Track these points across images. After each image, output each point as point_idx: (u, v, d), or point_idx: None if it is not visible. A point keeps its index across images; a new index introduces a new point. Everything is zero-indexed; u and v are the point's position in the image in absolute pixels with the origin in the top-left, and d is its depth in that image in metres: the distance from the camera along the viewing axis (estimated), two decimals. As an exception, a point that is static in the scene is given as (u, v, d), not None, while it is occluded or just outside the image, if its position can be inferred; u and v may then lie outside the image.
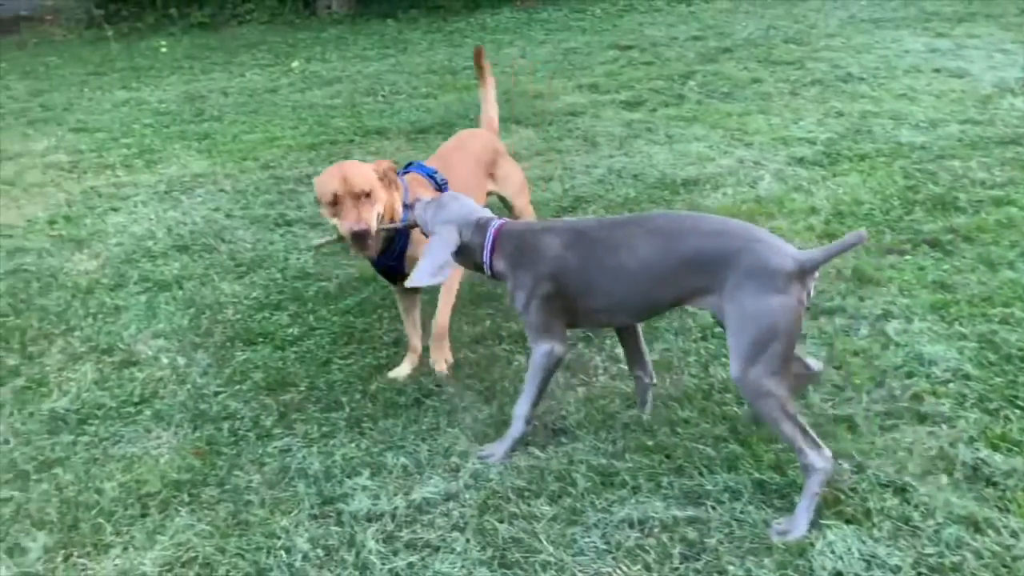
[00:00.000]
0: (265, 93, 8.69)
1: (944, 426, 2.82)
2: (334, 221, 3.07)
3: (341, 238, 3.12)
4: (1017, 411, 2.86)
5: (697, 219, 2.69)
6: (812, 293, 2.47)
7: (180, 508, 2.76)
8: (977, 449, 2.69)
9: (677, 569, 2.37)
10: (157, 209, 5.46)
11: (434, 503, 2.69)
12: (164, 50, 11.81)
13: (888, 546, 2.35)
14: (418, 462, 2.88)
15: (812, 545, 2.37)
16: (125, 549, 2.62)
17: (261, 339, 3.77)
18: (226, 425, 3.18)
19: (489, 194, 3.82)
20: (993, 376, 3.04)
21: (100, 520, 2.72)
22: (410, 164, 3.55)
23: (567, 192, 5.16)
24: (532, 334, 2.79)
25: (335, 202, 3.01)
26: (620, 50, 9.20)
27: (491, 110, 4.10)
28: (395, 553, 2.50)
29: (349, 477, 2.84)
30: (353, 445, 2.99)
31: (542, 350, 2.76)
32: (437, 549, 2.51)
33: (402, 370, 3.43)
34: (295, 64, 10.11)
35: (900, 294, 3.66)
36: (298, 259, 4.57)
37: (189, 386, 3.45)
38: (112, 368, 3.62)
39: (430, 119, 7.01)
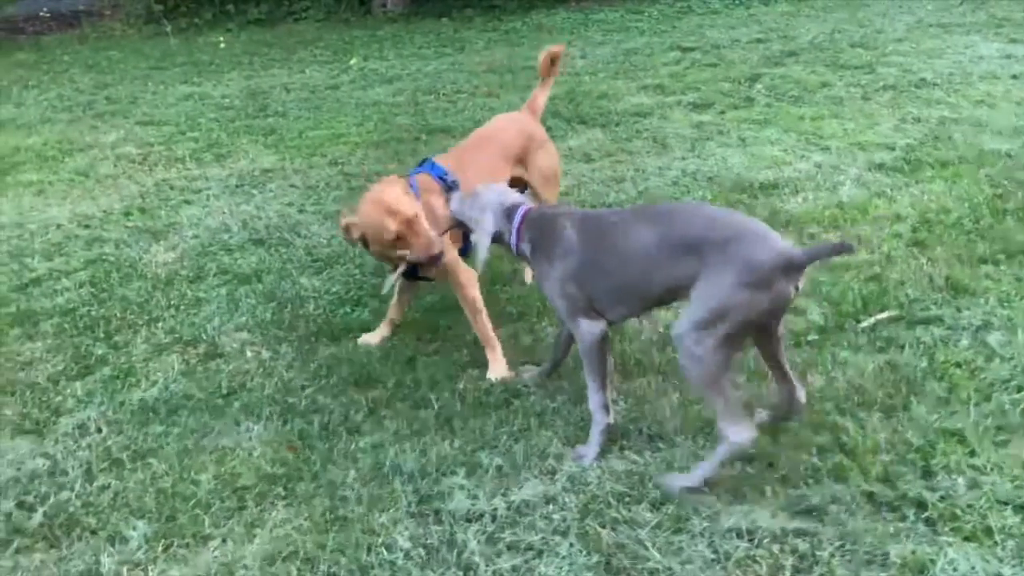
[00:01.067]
0: (326, 90, 8.73)
1: (1063, 443, 2.72)
2: (401, 253, 3.18)
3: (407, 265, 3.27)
4: None
5: (697, 208, 2.99)
6: (800, 288, 2.58)
7: (276, 502, 2.76)
8: (1100, 467, 2.59)
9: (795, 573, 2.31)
10: (230, 202, 5.49)
11: (533, 505, 2.65)
12: (223, 46, 11.93)
13: (1014, 566, 2.27)
14: (513, 463, 2.85)
15: (932, 562, 2.30)
16: (224, 541, 2.62)
17: (344, 334, 3.76)
18: (316, 419, 3.17)
19: (519, 181, 3.77)
20: (1110, 392, 2.94)
21: (198, 511, 2.73)
22: (424, 161, 3.61)
23: (641, 194, 5.10)
24: (566, 319, 2.90)
25: (398, 238, 3.12)
26: (682, 52, 9.11)
27: (540, 96, 4.05)
28: (498, 555, 2.47)
29: (444, 476, 2.81)
30: (446, 444, 2.97)
31: (581, 332, 2.84)
32: (540, 553, 2.47)
33: (371, 337, 3.65)
34: (353, 61, 10.16)
35: (999, 305, 3.55)
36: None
37: (276, 379, 3.45)
38: (198, 360, 3.64)
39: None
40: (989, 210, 4.50)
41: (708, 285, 2.54)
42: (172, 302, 4.15)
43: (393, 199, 3.14)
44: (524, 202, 3.03)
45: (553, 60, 4.04)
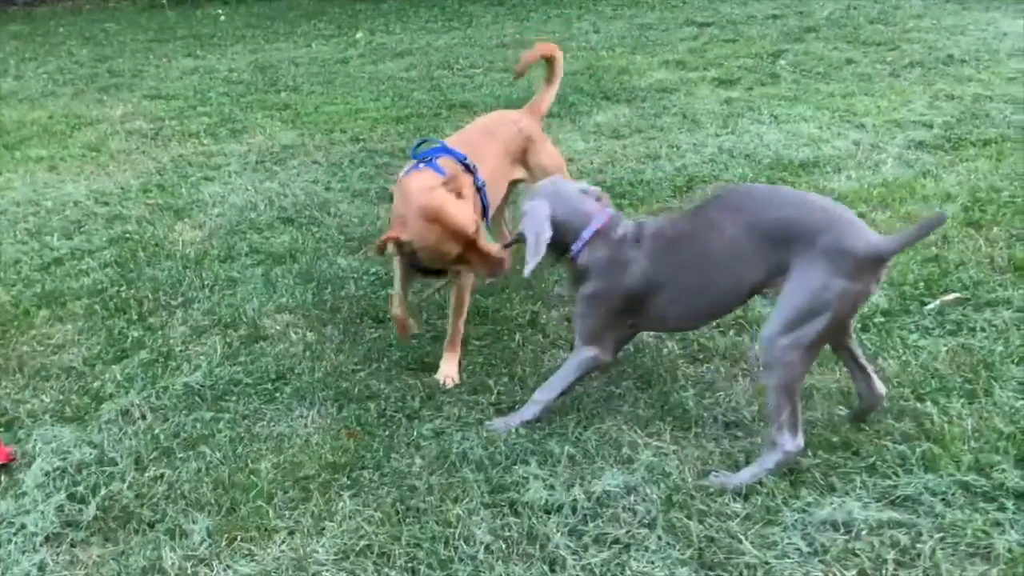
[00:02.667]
0: (336, 64, 8.54)
1: None
2: (464, 269, 2.98)
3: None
4: None
5: (774, 191, 2.65)
6: (882, 280, 2.48)
7: (342, 492, 2.64)
8: None
9: (900, 569, 2.22)
10: (252, 179, 5.33)
11: (615, 496, 2.54)
12: (223, 19, 11.68)
13: None
14: (586, 452, 2.74)
15: (1046, 558, 2.21)
16: (291, 534, 2.50)
17: (390, 317, 3.62)
18: (372, 405, 3.05)
19: (517, 183, 3.57)
20: None
21: (260, 503, 2.60)
22: (432, 147, 3.22)
23: (679, 171, 4.97)
24: (582, 337, 2.77)
25: (461, 259, 2.87)
26: (698, 27, 8.97)
27: (546, 100, 3.84)
28: (584, 548, 2.36)
29: (515, 465, 2.70)
30: (515, 432, 2.85)
31: (588, 354, 2.76)
32: (628, 546, 2.36)
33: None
34: (359, 35, 9.96)
35: (1067, 287, 3.46)
36: (408, 234, 4.42)
37: (326, 363, 3.32)
38: (241, 342, 3.50)
39: (516, 93, 6.81)
40: (1040, 189, 4.40)
41: (800, 279, 2.38)
42: (206, 282, 4.00)
43: (452, 214, 2.80)
44: (600, 210, 2.77)
45: (550, 61, 3.84)
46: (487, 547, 2.39)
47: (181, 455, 2.86)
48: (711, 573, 2.26)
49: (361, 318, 3.64)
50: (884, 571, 2.23)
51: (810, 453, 2.65)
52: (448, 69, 7.89)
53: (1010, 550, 2.25)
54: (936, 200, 4.35)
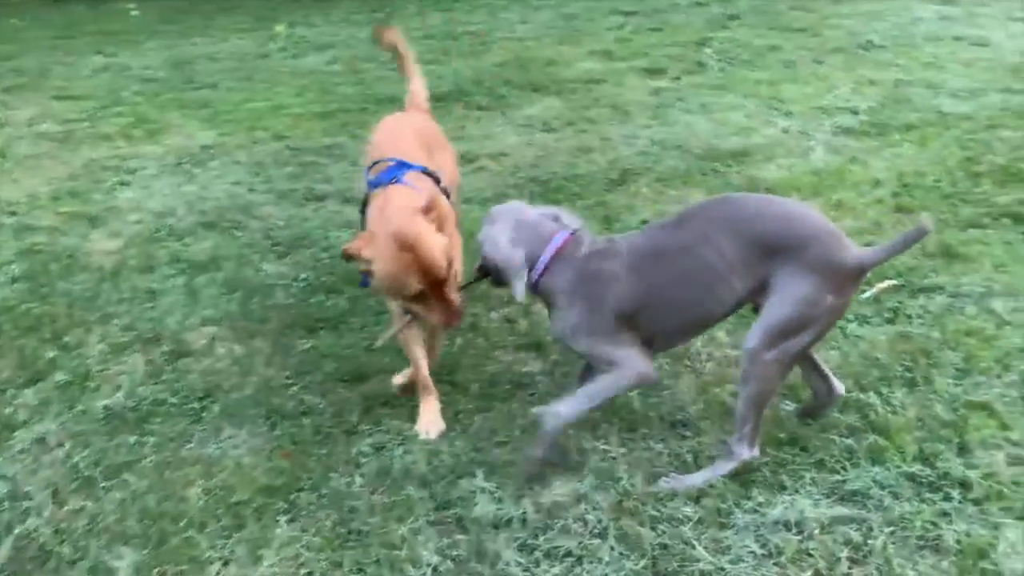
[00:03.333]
0: (256, 59, 8.26)
1: (1092, 411, 2.68)
2: (416, 310, 2.61)
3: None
4: None
5: (762, 203, 2.46)
6: (856, 290, 2.43)
7: (279, 517, 2.50)
8: None
9: (849, 574, 2.20)
10: (171, 183, 5.09)
11: (564, 506, 2.47)
12: (135, 13, 11.21)
13: (1074, 546, 2.21)
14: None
15: (992, 546, 2.21)
16: (226, 564, 2.36)
17: (322, 326, 3.48)
18: (307, 421, 2.91)
19: None
20: (1125, 357, 2.92)
21: (191, 533, 2.45)
22: (388, 165, 2.87)
23: (612, 164, 4.92)
24: (595, 362, 2.49)
25: (418, 297, 2.54)
26: (624, 16, 8.94)
27: (419, 89, 3.60)
28: (536, 564, 2.28)
29: (461, 478, 2.60)
30: (457, 442, 2.75)
31: (635, 370, 2.44)
32: (580, 559, 2.29)
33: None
34: (279, 28, 9.65)
35: (995, 270, 3.52)
36: (339, 237, 4.27)
37: (255, 378, 3.16)
38: (164, 359, 3.32)
39: (445, 86, 6.68)
40: (964, 173, 4.49)
41: (787, 293, 2.30)
42: (124, 296, 3.79)
43: (427, 248, 2.48)
44: (560, 229, 2.55)
45: (385, 41, 3.70)
46: (435, 568, 2.29)
47: (103, 485, 2.68)
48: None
49: (291, 328, 3.48)
50: (838, 570, 2.20)
51: (758, 451, 2.62)
52: (373, 62, 7.69)
53: (959, 540, 2.25)
54: (866, 187, 4.40)
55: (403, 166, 2.82)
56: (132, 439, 2.87)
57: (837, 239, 2.31)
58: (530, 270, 2.48)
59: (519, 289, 2.47)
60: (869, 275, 2.54)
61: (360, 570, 2.30)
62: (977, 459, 2.52)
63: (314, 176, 5.07)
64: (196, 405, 3.03)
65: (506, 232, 2.51)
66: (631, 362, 2.43)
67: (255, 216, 4.55)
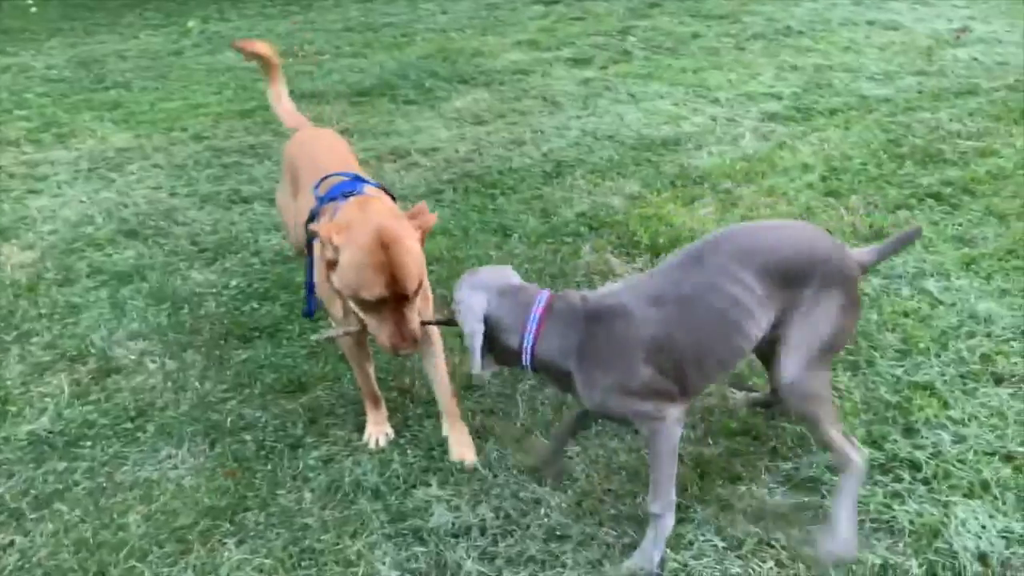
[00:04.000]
0: (169, 56, 7.94)
1: (1024, 386, 2.77)
2: (368, 320, 2.35)
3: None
4: (1085, 367, 2.85)
5: (769, 228, 2.43)
6: None
7: (226, 540, 2.39)
8: (1068, 410, 2.64)
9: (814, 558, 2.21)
10: (86, 189, 4.84)
11: (523, 511, 2.42)
12: (34, 10, 10.67)
13: (1020, 520, 2.26)
14: (488, 463, 2.61)
15: (944, 525, 2.26)
16: (172, 594, 2.24)
17: (257, 335, 3.36)
18: (248, 437, 2.80)
19: None
20: (1050, 332, 3.02)
21: (133, 562, 2.32)
22: (342, 181, 2.66)
23: (546, 156, 4.89)
24: (638, 421, 2.19)
25: (374, 304, 2.30)
26: (546, 6, 8.92)
27: (283, 100, 3.41)
28: (499, 572, 2.23)
29: (415, 488, 2.54)
30: (409, 450, 2.68)
31: (662, 429, 2.16)
32: (543, 563, 2.25)
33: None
34: (191, 24, 9.32)
35: (926, 250, 3.61)
36: (268, 240, 4.13)
37: (191, 394, 3.02)
38: (91, 378, 3.14)
39: (368, 80, 6.55)
40: (888, 155, 4.60)
41: (816, 314, 2.19)
42: (43, 311, 3.58)
43: (407, 253, 2.28)
44: (531, 287, 2.25)
45: (249, 53, 3.50)
46: (394, 584, 2.22)
47: (33, 516, 2.52)
48: (631, 582, 2.19)
49: (225, 339, 3.34)
50: (799, 559, 2.21)
51: (711, 441, 2.63)
52: (293, 57, 7.48)
53: (912, 521, 2.29)
54: (796, 172, 4.46)
55: (359, 180, 2.69)
56: (61, 465, 2.71)
57: (841, 249, 2.28)
58: (521, 338, 2.16)
59: (475, 365, 2.16)
60: None
61: (316, 591, 2.22)
62: (923, 440, 2.57)
63: (238, 177, 4.90)
64: (129, 425, 2.88)
65: (480, 301, 2.18)
66: (669, 411, 2.17)
67: (179, 222, 4.37)
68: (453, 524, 2.38)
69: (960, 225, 3.80)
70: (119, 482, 2.64)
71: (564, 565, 2.24)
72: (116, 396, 3.03)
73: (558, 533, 2.34)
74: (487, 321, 2.16)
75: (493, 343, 2.18)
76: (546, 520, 2.38)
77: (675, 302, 2.14)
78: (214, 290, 3.69)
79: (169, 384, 3.08)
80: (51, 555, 2.37)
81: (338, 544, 2.34)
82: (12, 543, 2.42)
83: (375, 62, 7.09)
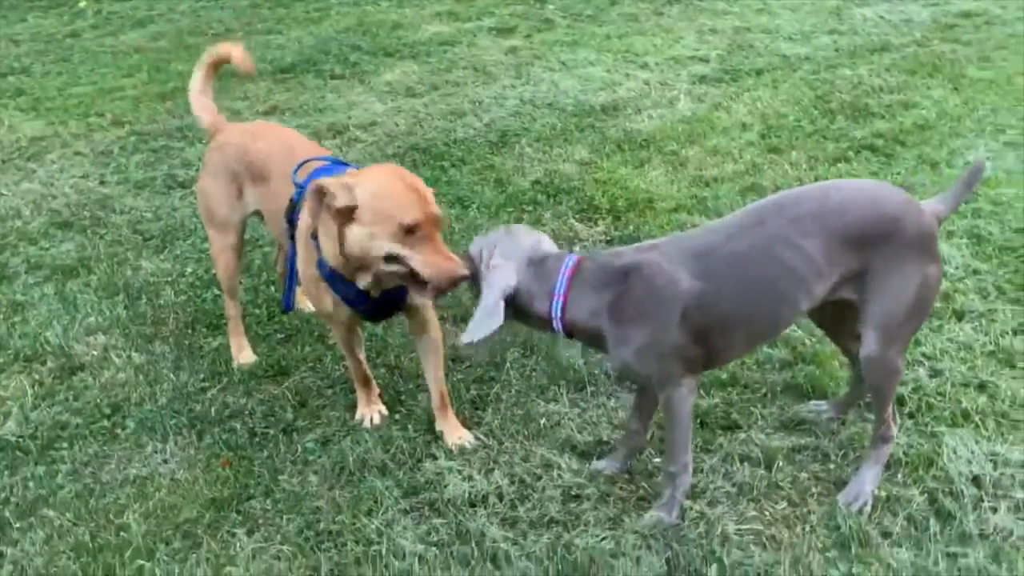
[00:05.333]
0: (65, 38, 7.49)
1: (983, 320, 2.94)
2: (405, 254, 2.21)
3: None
4: (1033, 298, 3.05)
5: (835, 190, 2.20)
6: None
7: (236, 530, 2.32)
8: (1025, 339, 2.83)
9: (821, 496, 2.30)
10: (5, 182, 4.54)
11: (536, 475, 2.44)
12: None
13: (1003, 443, 2.42)
14: (491, 432, 2.61)
15: (937, 454, 2.39)
16: (189, 591, 2.17)
17: (225, 321, 3.22)
18: (237, 425, 2.72)
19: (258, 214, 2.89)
20: (997, 268, 3.21)
21: (140, 562, 2.23)
22: (322, 165, 2.58)
23: (489, 127, 4.86)
24: (661, 383, 2.16)
25: (413, 230, 2.19)
26: (457, -24, 8.80)
27: (209, 103, 3.12)
28: (523, 536, 2.25)
29: (422, 461, 2.52)
30: (409, 426, 2.65)
31: (679, 397, 2.15)
32: (566, 525, 2.27)
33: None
34: (83, 4, 8.80)
35: (871, 200, 3.77)
36: (216, 224, 3.98)
37: (166, 386, 2.91)
38: (53, 377, 2.98)
39: (289, 57, 6.35)
40: (819, 111, 4.77)
41: (895, 281, 2.08)
42: (-15, 312, 3.37)
43: (424, 187, 2.26)
44: (561, 252, 2.23)
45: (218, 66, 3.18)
46: (420, 557, 2.20)
47: (19, 525, 2.39)
48: (647, 536, 2.23)
49: (192, 328, 3.23)
50: (809, 495, 2.31)
51: (705, 393, 2.70)
52: (203, 35, 7.17)
53: (905, 453, 2.41)
54: (736, 131, 4.59)
55: (339, 163, 2.62)
56: (40, 470, 2.57)
57: (916, 206, 2.13)
58: (551, 304, 2.13)
59: (469, 338, 2.11)
60: (719, 201, 2.51)
61: (342, 572, 2.18)
62: (903, 376, 2.70)
63: (171, 162, 4.70)
64: (105, 423, 2.76)
65: (510, 278, 2.13)
66: (684, 389, 2.15)
67: (116, 210, 4.16)
68: (469, 493, 2.38)
69: (898, 174, 3.99)
70: (107, 482, 2.52)
71: (587, 524, 2.27)
72: (85, 394, 2.89)
73: (574, 493, 2.37)
74: (515, 293, 2.13)
75: (520, 311, 2.16)
76: (560, 481, 2.41)
77: (724, 260, 2.07)
78: (169, 279, 3.55)
79: (141, 378, 2.95)
80: (47, 563, 2.25)
81: (355, 523, 2.31)
82: (2, 554, 2.29)
83: (292, 38, 6.87)
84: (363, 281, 2.33)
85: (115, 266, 3.65)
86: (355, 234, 2.22)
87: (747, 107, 4.90)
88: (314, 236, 2.37)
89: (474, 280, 2.21)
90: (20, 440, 2.69)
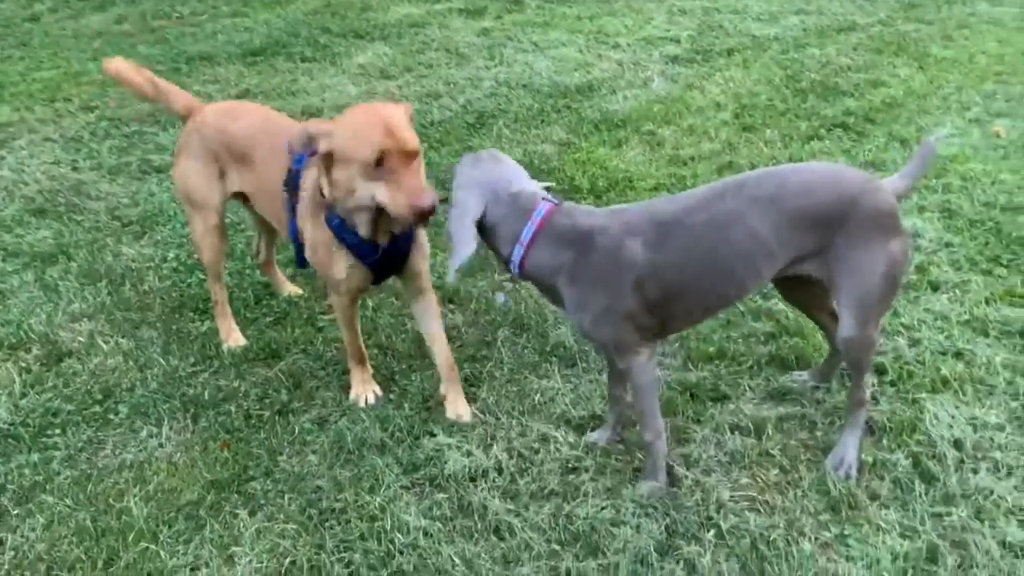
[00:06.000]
0: (25, 22, 7.34)
1: (957, 291, 3.04)
2: (374, 191, 2.25)
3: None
4: (1002, 268, 3.15)
5: (795, 172, 2.21)
6: None
7: (238, 510, 2.34)
8: (998, 308, 2.93)
9: (810, 462, 2.38)
10: (-27, 169, 4.47)
11: (534, 449, 2.49)
12: None
13: (981, 408, 2.52)
14: (487, 408, 2.65)
15: (920, 419, 2.48)
16: (195, 571, 2.18)
17: (211, 306, 3.22)
18: (231, 408, 2.72)
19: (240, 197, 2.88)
20: (968, 240, 3.32)
21: (144, 544, 2.24)
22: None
23: (466, 108, 4.88)
24: (619, 352, 2.21)
25: (380, 162, 2.24)
26: (424, -43, 8.75)
27: (174, 88, 2.99)
28: (525, 507, 2.29)
29: (421, 438, 2.55)
30: (405, 405, 2.68)
31: (638, 365, 2.20)
32: (565, 496, 2.33)
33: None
34: (40, -14, 8.60)
35: (844, 177, 3.86)
36: (195, 209, 3.95)
37: (157, 370, 2.90)
38: (40, 364, 2.95)
39: (258, 39, 6.29)
40: (790, 90, 4.86)
41: (860, 262, 2.11)
42: (-37, 301, 3.32)
43: (395, 117, 2.27)
44: (543, 195, 2.21)
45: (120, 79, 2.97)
46: (424, 531, 2.24)
47: (17, 512, 2.38)
48: (645, 505, 2.30)
49: (179, 312, 3.22)
50: (798, 465, 2.39)
51: (692, 367, 2.77)
52: (167, 18, 7.08)
53: (889, 419, 2.50)
54: (711, 111, 4.65)
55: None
56: (35, 457, 2.56)
57: (873, 184, 2.15)
58: (512, 249, 2.17)
59: (453, 269, 2.17)
60: (696, 179, 2.58)
61: (347, 547, 2.21)
62: (883, 346, 2.79)
63: (145, 147, 4.64)
64: (98, 409, 2.74)
65: (476, 204, 2.16)
66: (642, 357, 2.20)
67: (92, 196, 4.11)
68: (469, 468, 2.42)
69: (870, 151, 4.08)
70: (103, 467, 2.52)
71: (585, 494, 2.32)
72: (75, 380, 2.87)
73: (571, 465, 2.42)
74: (482, 223, 2.17)
75: (484, 241, 2.21)
76: (558, 455, 2.46)
77: (679, 232, 2.10)
78: (151, 264, 3.52)
79: (131, 363, 2.94)
80: (50, 548, 2.25)
81: (358, 500, 2.33)
82: (3, 541, 2.28)
83: (260, 21, 6.80)
84: (363, 228, 2.36)
85: (95, 252, 3.61)
86: (336, 177, 2.28)
87: (720, 87, 4.97)
88: (321, 192, 2.40)
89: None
90: (11, 427, 2.67)
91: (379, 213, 2.33)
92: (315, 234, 2.50)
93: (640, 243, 2.10)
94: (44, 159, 4.54)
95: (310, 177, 2.51)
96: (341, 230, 2.42)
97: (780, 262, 2.16)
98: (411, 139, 2.27)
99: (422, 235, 2.59)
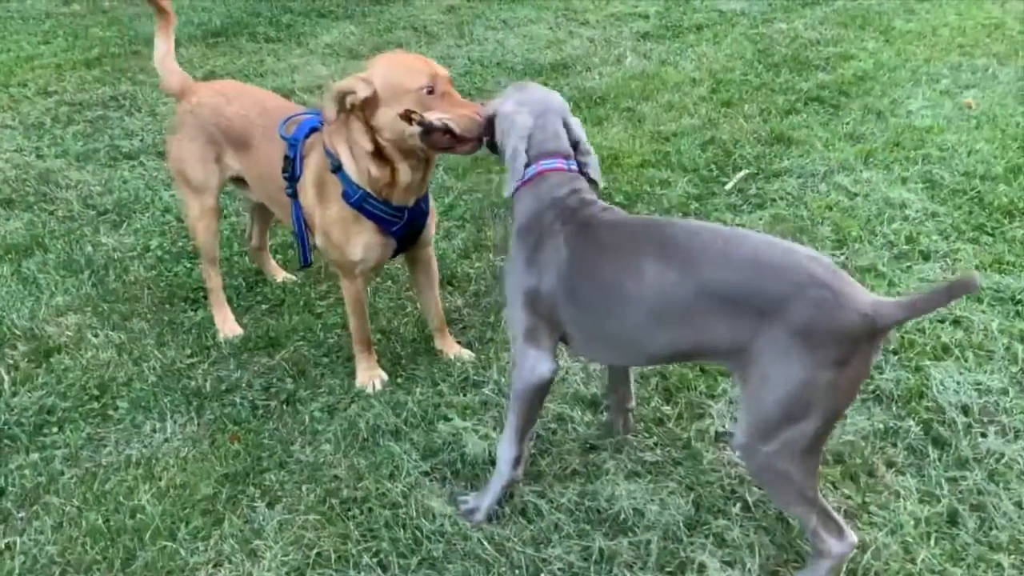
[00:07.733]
0: (-36, 4, 7.02)
1: (948, 260, 3.11)
2: (432, 115, 2.23)
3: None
4: (988, 236, 3.24)
5: (732, 238, 1.81)
6: (880, 351, 1.83)
7: (256, 503, 2.29)
8: (988, 275, 3.00)
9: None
10: (-70, 159, 4.27)
11: (552, 430, 2.48)
12: None
13: (983, 373, 2.58)
14: (500, 390, 2.63)
15: (927, 386, 2.53)
16: (218, 567, 2.13)
17: (203, 294, 3.14)
18: (236, 399, 2.66)
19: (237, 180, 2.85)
20: (953, 210, 3.40)
21: (162, 542, 2.18)
22: (311, 115, 2.59)
23: (441, 87, 4.80)
24: (515, 338, 2.10)
25: (431, 91, 2.27)
26: (379, -67, 8.60)
27: (173, 64, 2.88)
28: (550, 487, 2.29)
29: (436, 423, 2.52)
30: (416, 390, 2.65)
31: (525, 365, 2.06)
32: (588, 475, 2.33)
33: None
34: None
35: (826, 149, 3.92)
36: (174, 195, 3.84)
37: (154, 363, 2.82)
38: (28, 360, 2.85)
39: (217, 19, 6.12)
40: (763, 65, 4.90)
41: (770, 370, 1.71)
42: (-63, 297, 3.17)
43: (422, 57, 2.38)
44: (562, 153, 2.11)
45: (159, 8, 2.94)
46: (450, 518, 2.22)
47: (21, 515, 2.29)
48: (684, 480, 2.31)
49: (169, 302, 3.12)
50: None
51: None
52: (120, 0, 6.84)
53: (895, 387, 2.55)
54: (687, 86, 4.67)
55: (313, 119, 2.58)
56: (34, 457, 2.46)
57: (832, 290, 1.67)
58: (511, 176, 2.11)
59: (511, 181, 2.09)
60: (684, 155, 2.62)
61: (373, 536, 2.18)
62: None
63: (111, 132, 4.49)
64: (95, 405, 2.66)
65: (527, 123, 2.08)
66: (529, 360, 2.06)
67: (61, 185, 3.96)
68: (488, 452, 2.40)
69: (848, 124, 4.14)
70: (108, 464, 2.44)
71: (607, 472, 2.33)
72: (67, 376, 2.77)
73: (591, 444, 2.43)
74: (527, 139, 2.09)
75: (497, 155, 2.23)
76: (575, 434, 2.46)
77: (588, 240, 1.96)
78: (134, 253, 3.41)
79: (125, 356, 2.85)
80: (63, 551, 2.17)
81: (379, 488, 2.30)
82: (10, 545, 2.20)
83: (218, 0, 6.61)
84: (406, 172, 2.39)
85: (72, 243, 3.49)
86: (384, 117, 2.30)
87: (693, 63, 4.99)
88: (335, 169, 2.39)
89: (492, 139, 2.24)
90: (5, 428, 2.57)
91: (430, 145, 2.31)
92: (327, 216, 2.45)
93: (561, 232, 1.99)
94: (6, 147, 4.36)
95: (311, 163, 2.47)
96: (364, 201, 2.41)
97: (683, 336, 1.84)
98: (445, 71, 2.35)
99: (431, 202, 2.65)
